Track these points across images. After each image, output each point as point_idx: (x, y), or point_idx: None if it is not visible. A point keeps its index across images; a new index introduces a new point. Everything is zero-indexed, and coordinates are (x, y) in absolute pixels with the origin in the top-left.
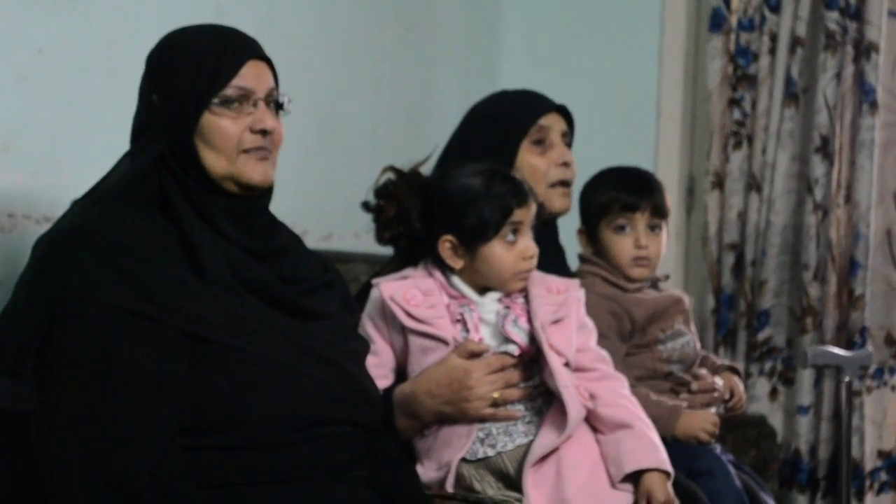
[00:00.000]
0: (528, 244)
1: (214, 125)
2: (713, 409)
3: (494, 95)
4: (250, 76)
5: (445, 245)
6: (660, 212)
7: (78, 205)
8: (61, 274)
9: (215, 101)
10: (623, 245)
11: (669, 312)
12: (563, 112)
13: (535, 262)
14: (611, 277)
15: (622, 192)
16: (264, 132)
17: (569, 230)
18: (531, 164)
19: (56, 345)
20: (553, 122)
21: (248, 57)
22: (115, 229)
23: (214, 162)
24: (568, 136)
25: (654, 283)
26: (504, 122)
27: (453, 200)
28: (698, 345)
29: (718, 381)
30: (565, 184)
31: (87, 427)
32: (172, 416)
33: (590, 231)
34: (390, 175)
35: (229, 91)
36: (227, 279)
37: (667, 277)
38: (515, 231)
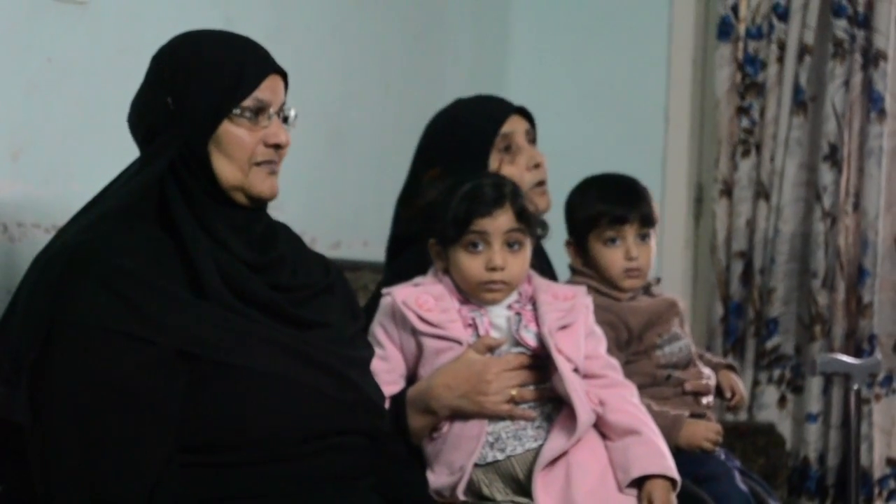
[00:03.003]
0: (491, 256)
1: (232, 134)
2: (707, 400)
3: (449, 108)
4: (269, 89)
5: (433, 248)
6: (648, 221)
7: (79, 220)
8: (56, 299)
9: (236, 110)
10: (614, 257)
11: (665, 317)
12: (522, 111)
13: (501, 275)
14: (603, 288)
15: (610, 205)
16: (277, 146)
17: (554, 241)
18: (504, 173)
19: (51, 370)
20: (515, 126)
21: (270, 70)
22: (111, 251)
23: (227, 171)
24: (531, 134)
25: (647, 289)
26: (467, 134)
27: (433, 203)
28: (693, 348)
29: (705, 370)
30: (541, 184)
31: (82, 454)
32: (168, 439)
33: (578, 243)
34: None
35: (250, 102)
36: (225, 294)
37: (658, 281)
38: (482, 241)
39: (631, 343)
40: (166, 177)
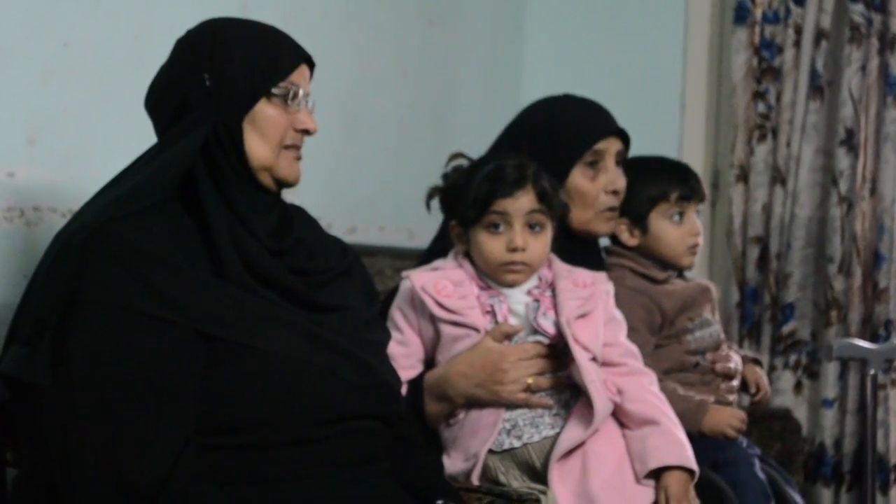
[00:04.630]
0: (512, 236)
1: (268, 113)
2: (732, 397)
3: (554, 103)
4: (302, 77)
5: (454, 229)
6: (704, 199)
7: (100, 199)
8: (75, 277)
9: (275, 90)
10: (680, 234)
11: (698, 301)
12: (622, 134)
13: (522, 256)
14: (640, 269)
15: (678, 183)
16: (306, 132)
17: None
18: (581, 187)
19: (70, 349)
20: (609, 145)
21: (304, 58)
22: (130, 231)
23: (259, 149)
24: (622, 156)
25: (680, 273)
26: (560, 139)
27: (454, 186)
28: (723, 334)
29: (734, 356)
30: (612, 209)
31: (101, 433)
32: (187, 419)
33: (635, 221)
34: (459, 161)
35: (285, 85)
36: (244, 276)
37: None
38: (503, 222)
39: (663, 327)
40: (196, 154)
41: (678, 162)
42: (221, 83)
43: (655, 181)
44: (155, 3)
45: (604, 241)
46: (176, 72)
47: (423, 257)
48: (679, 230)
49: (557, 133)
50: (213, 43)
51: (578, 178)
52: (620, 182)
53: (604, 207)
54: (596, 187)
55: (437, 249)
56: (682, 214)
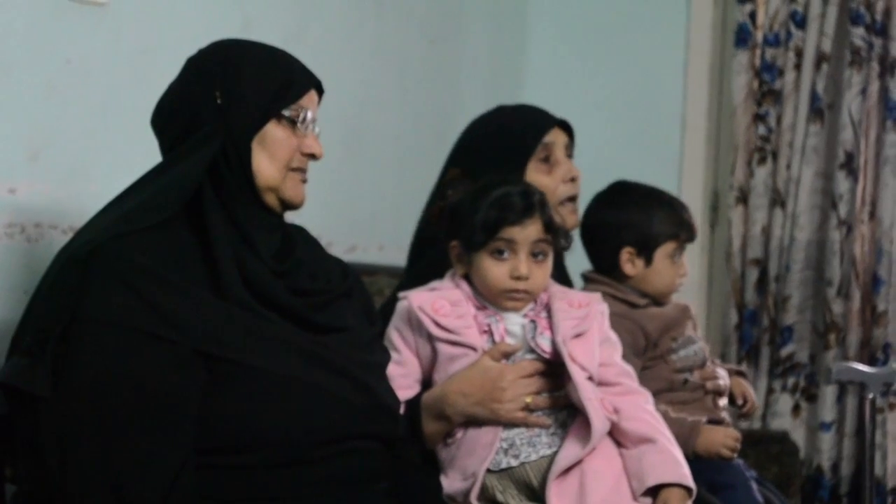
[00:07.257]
0: (517, 265)
1: (277, 135)
2: (722, 402)
3: (492, 113)
4: (311, 102)
5: (454, 250)
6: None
7: (105, 217)
8: (77, 293)
9: (285, 111)
10: (674, 273)
11: (679, 321)
12: (564, 125)
13: (525, 284)
14: (619, 294)
15: (687, 226)
16: (312, 156)
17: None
18: (540, 182)
19: (71, 367)
20: (556, 138)
21: (315, 84)
22: (134, 249)
23: (266, 170)
24: (570, 149)
25: (656, 302)
26: (509, 142)
27: (459, 206)
28: (707, 351)
29: (720, 371)
30: (573, 199)
31: (101, 451)
32: (186, 437)
33: (641, 252)
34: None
35: (296, 108)
36: (245, 295)
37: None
38: (509, 249)
39: (647, 349)
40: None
41: (681, 202)
42: (233, 101)
43: (670, 219)
44: (158, 20)
45: (584, 266)
46: (187, 89)
47: (416, 275)
48: (674, 269)
49: (504, 137)
50: (227, 62)
51: (534, 174)
52: (575, 170)
53: (564, 197)
54: (553, 180)
55: (419, 273)
56: (679, 255)
